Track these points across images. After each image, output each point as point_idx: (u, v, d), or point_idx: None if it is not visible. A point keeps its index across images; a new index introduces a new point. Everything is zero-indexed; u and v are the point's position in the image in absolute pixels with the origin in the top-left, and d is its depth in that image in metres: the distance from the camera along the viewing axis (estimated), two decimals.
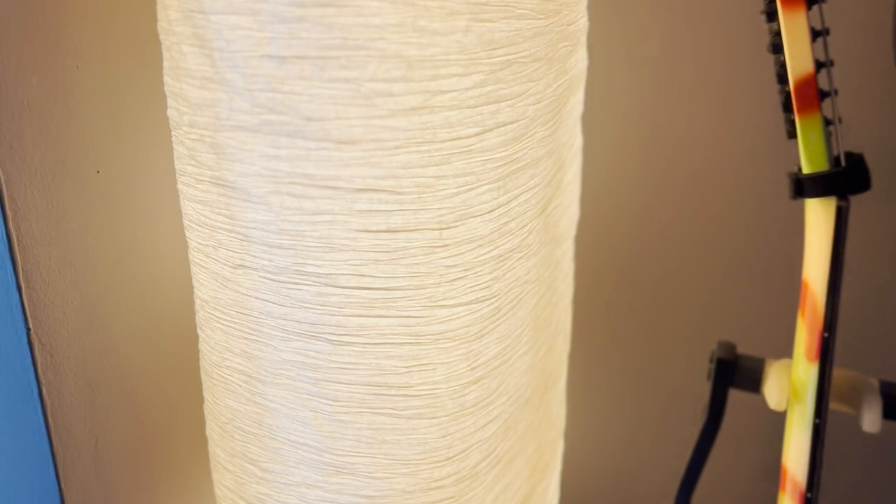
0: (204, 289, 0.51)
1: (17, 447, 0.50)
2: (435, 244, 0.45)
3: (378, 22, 0.40)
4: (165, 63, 0.47)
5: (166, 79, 0.47)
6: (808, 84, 0.53)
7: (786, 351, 0.64)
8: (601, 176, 0.86)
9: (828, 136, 0.54)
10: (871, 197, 0.59)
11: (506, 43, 0.44)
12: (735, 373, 0.65)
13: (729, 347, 0.66)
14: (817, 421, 0.58)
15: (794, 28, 0.52)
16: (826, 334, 0.57)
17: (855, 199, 0.55)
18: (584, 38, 0.59)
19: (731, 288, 0.91)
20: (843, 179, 0.54)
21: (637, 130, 0.86)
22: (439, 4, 0.40)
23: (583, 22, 0.57)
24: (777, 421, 0.63)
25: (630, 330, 0.95)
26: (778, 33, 0.52)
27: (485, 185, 0.46)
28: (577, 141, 0.62)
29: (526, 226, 0.51)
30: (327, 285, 0.46)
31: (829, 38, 0.53)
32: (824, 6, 0.52)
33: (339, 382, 0.48)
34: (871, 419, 0.60)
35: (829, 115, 0.54)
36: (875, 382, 0.62)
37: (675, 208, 0.89)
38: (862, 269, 0.85)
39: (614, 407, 0.98)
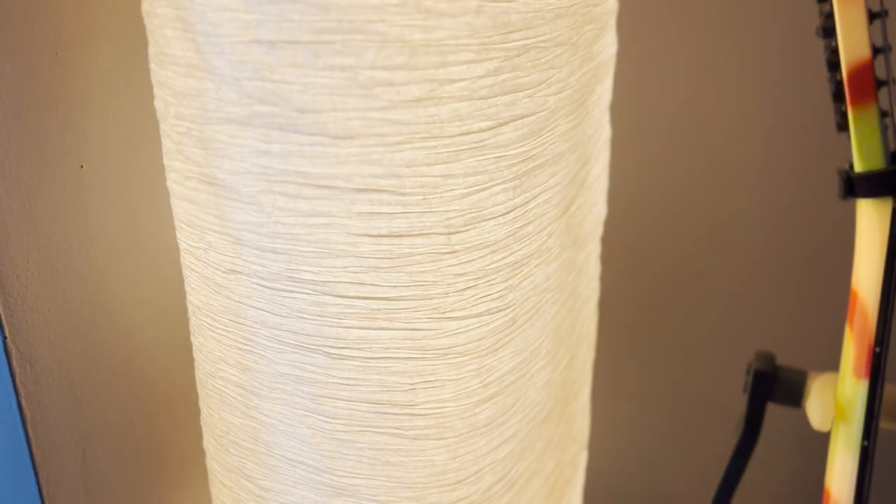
0: (196, 294, 0.48)
1: None
2: (442, 250, 0.42)
3: (378, 2, 0.36)
4: (150, 49, 0.43)
5: (152, 66, 0.44)
6: (863, 72, 0.48)
7: (829, 363, 0.59)
8: (630, 171, 0.81)
9: (884, 130, 0.50)
10: None
11: (523, 26, 0.40)
12: (774, 386, 0.61)
13: (768, 358, 0.62)
14: (865, 443, 0.53)
15: (849, 9, 0.47)
16: (877, 349, 0.52)
17: None
18: (612, 21, 0.54)
19: (769, 293, 0.86)
20: None
21: (670, 121, 0.81)
22: None
23: (612, 3, 0.52)
24: (814, 433, 0.59)
25: (660, 336, 0.90)
26: (830, 15, 0.48)
27: (498, 184, 0.42)
28: (605, 133, 0.57)
29: (545, 229, 0.46)
30: (325, 294, 0.42)
31: (887, 21, 0.48)
32: None
33: (338, 399, 0.45)
34: None
35: (886, 107, 0.49)
36: None
37: (711, 206, 0.84)
38: None
39: (642, 417, 0.94)
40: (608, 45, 0.53)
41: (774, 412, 0.61)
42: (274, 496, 0.49)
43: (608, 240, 0.64)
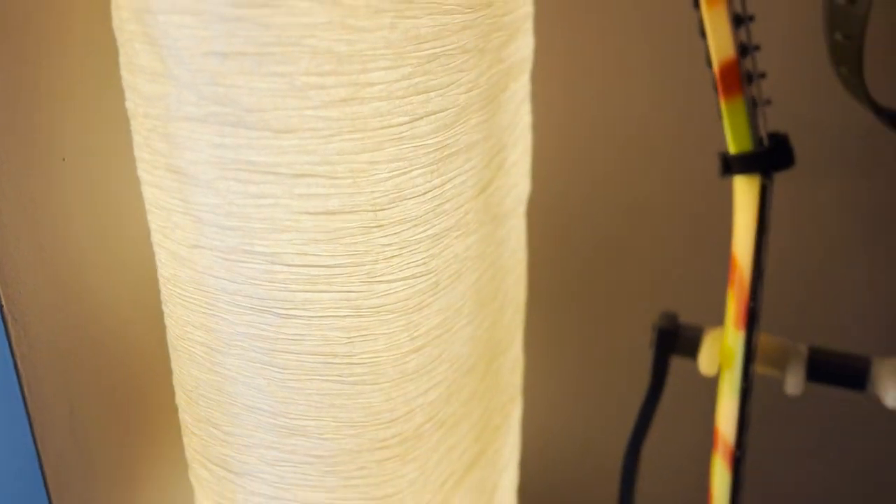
0: (165, 267, 0.54)
1: None
2: (371, 225, 0.48)
3: (309, 21, 0.43)
4: (121, 58, 0.49)
5: (123, 73, 0.50)
6: (730, 69, 0.55)
7: None
8: (556, 154, 0.88)
9: (753, 118, 0.56)
10: (805, 173, 0.61)
11: (432, 37, 0.46)
12: (676, 341, 0.68)
13: (670, 317, 0.69)
14: (744, 385, 0.61)
15: (714, 16, 0.54)
16: (752, 304, 0.60)
17: (788, 175, 0.58)
18: (527, 26, 0.61)
19: (677, 259, 0.93)
20: (766, 158, 0.57)
21: (590, 111, 0.88)
22: (364, 3, 0.43)
23: (524, 11, 0.59)
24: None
25: (588, 300, 0.97)
26: (702, 20, 0.55)
27: (417, 169, 0.49)
28: (523, 122, 0.65)
29: (462, 206, 0.54)
30: (274, 263, 0.48)
31: (763, 21, 0.54)
32: None
33: (288, 352, 0.51)
34: (793, 382, 0.63)
35: (758, 97, 0.56)
36: (803, 348, 0.65)
37: (628, 184, 0.91)
38: (797, 241, 0.88)
39: (575, 373, 1.01)
40: (521, 48, 0.60)
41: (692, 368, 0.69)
42: (237, 440, 0.55)
43: (539, 215, 0.71)
